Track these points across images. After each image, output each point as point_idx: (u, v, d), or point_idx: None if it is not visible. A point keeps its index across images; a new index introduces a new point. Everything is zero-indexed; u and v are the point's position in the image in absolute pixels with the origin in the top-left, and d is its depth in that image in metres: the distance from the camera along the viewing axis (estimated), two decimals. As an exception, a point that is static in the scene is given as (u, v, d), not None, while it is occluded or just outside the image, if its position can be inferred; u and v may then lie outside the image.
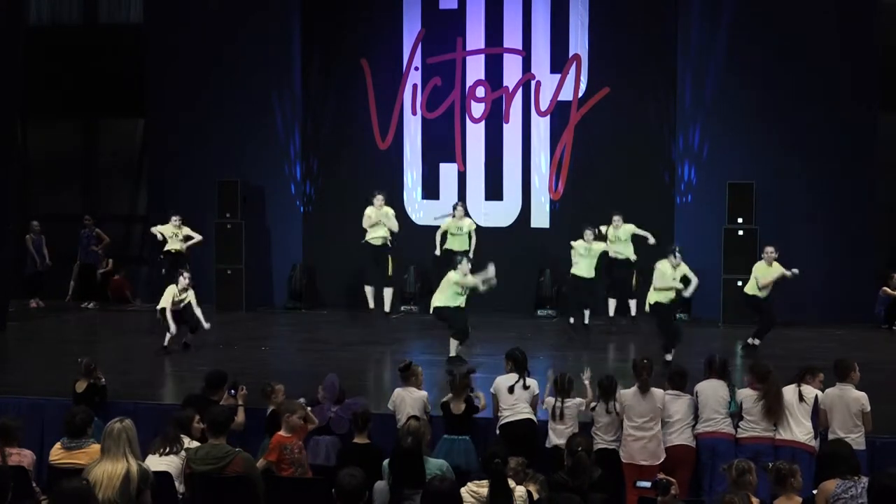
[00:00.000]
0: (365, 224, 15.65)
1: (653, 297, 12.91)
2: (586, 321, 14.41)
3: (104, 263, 18.98)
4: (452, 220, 15.88)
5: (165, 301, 13.58)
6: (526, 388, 9.53)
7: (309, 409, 9.28)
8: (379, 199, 15.79)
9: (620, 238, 15.56)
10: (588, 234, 14.90)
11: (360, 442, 8.65)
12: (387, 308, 14.97)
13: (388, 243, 15.71)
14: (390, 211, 15.82)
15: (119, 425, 6.64)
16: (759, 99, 16.66)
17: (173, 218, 16.23)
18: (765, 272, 13.80)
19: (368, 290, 15.66)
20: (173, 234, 16.07)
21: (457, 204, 16.12)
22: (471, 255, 14.78)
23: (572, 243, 15.00)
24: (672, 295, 12.87)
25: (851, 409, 8.99)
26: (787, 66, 16.51)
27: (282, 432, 8.51)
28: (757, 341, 13.72)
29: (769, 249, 13.90)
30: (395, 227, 15.74)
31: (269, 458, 8.35)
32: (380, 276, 15.71)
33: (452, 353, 12.93)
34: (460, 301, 13.03)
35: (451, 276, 13.03)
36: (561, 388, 9.34)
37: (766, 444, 9.00)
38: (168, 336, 13.63)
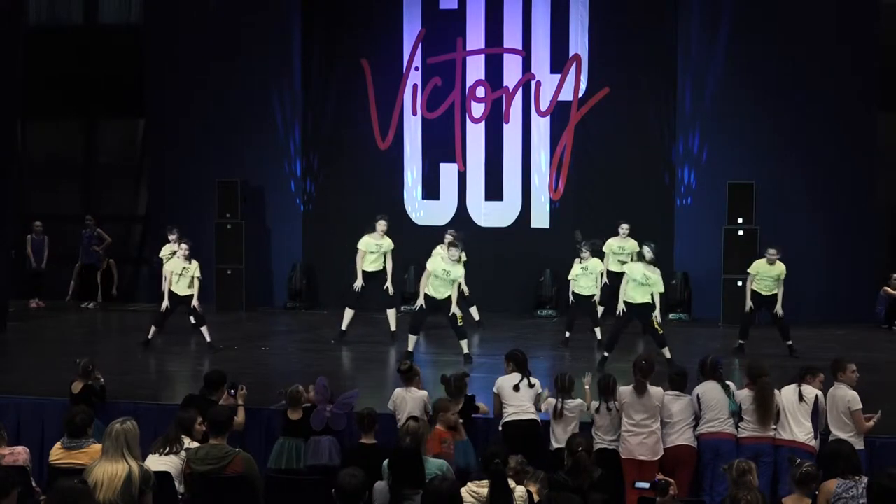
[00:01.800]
0: (360, 258, 14.39)
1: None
2: (599, 336, 14.28)
3: (104, 264, 18.97)
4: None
5: (168, 282, 13.75)
6: (531, 386, 9.53)
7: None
8: (382, 224, 14.48)
9: (625, 250, 15.08)
10: (584, 252, 14.17)
11: (367, 442, 8.69)
12: (393, 327, 14.67)
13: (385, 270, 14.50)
14: (390, 244, 14.53)
15: (119, 426, 6.63)
16: (759, 99, 16.66)
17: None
18: (767, 269, 13.75)
19: (348, 312, 14.54)
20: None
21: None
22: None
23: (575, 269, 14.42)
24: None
25: (839, 408, 8.98)
26: (786, 65, 16.51)
27: (439, 427, 8.78)
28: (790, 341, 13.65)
29: (772, 251, 13.82)
30: (389, 264, 14.49)
31: (436, 451, 8.52)
32: (377, 299, 14.66)
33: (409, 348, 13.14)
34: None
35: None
36: (562, 388, 9.33)
37: (766, 444, 9.00)
38: (153, 329, 13.79)
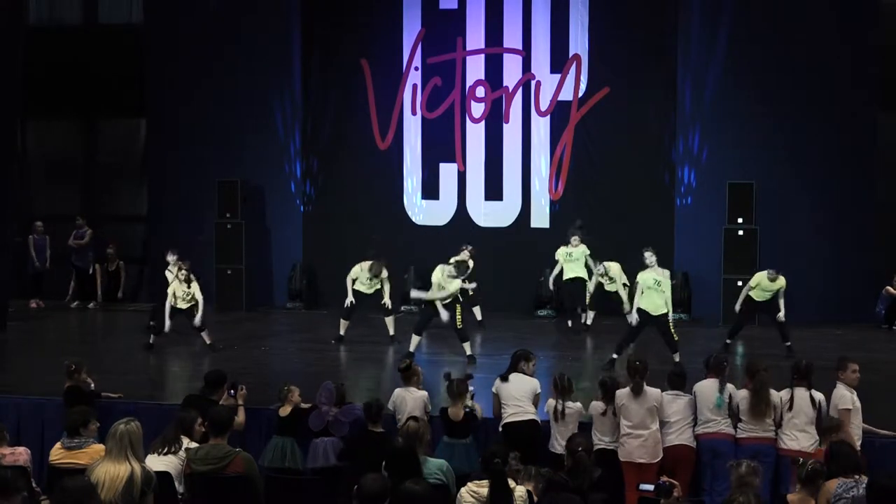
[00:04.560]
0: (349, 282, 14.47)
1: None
2: (588, 322, 14.37)
3: (113, 265, 18.91)
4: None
5: (170, 299, 13.81)
6: (505, 380, 9.51)
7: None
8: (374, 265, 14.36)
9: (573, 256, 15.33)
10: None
11: (375, 430, 8.80)
12: (391, 332, 14.71)
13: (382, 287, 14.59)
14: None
15: (123, 427, 6.62)
16: (760, 98, 16.65)
17: (174, 258, 14.23)
18: (767, 284, 13.75)
19: (344, 323, 14.57)
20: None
21: None
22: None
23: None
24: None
25: (834, 407, 8.98)
26: (786, 65, 16.51)
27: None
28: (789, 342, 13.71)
29: (772, 272, 13.72)
30: (387, 289, 14.47)
31: None
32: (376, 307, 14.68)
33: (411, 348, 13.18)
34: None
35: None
36: (562, 389, 9.31)
37: (767, 445, 8.98)
38: (152, 336, 13.80)
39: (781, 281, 13.74)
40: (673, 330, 12.66)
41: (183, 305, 13.82)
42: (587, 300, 14.55)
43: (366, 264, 14.40)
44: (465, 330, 13.25)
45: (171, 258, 14.37)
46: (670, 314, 12.67)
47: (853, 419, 8.91)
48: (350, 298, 14.45)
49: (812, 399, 9.02)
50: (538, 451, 9.02)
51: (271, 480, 8.50)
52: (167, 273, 14.37)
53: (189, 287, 13.84)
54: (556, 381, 9.38)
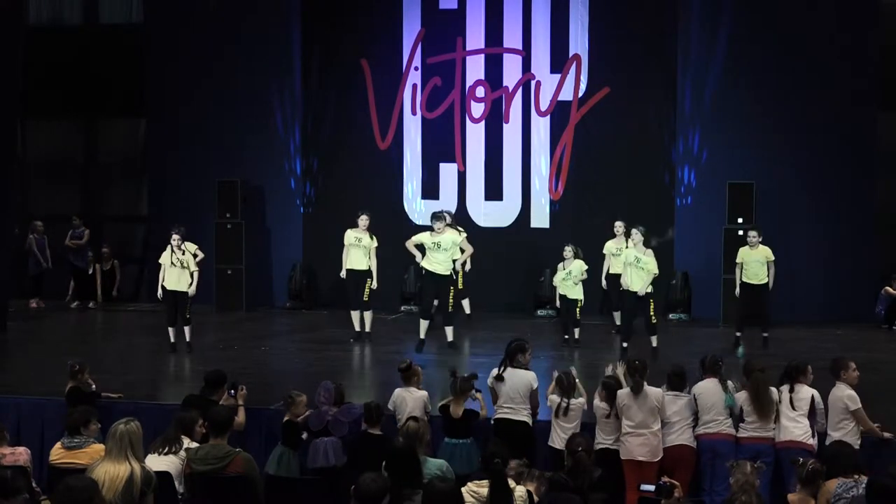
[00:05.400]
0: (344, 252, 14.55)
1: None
2: (576, 336, 14.35)
3: (108, 264, 18.91)
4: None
5: (163, 276, 13.63)
6: (500, 379, 9.48)
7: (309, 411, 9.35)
8: (363, 219, 14.47)
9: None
10: (567, 251, 14.31)
11: (374, 433, 8.82)
12: (367, 328, 14.61)
13: (370, 269, 14.50)
14: (369, 241, 14.47)
15: (123, 427, 6.62)
16: (760, 98, 16.65)
17: (174, 236, 13.62)
18: (749, 254, 13.87)
19: (355, 314, 14.60)
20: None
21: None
22: None
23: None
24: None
25: (837, 408, 8.98)
26: (786, 65, 16.52)
27: None
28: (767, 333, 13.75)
29: (752, 234, 13.94)
30: (374, 260, 14.44)
31: None
32: (359, 299, 14.55)
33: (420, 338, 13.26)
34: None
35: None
36: (566, 387, 9.31)
37: (767, 445, 8.99)
38: (171, 330, 13.72)
39: (763, 249, 13.79)
40: (652, 313, 12.81)
41: (173, 282, 13.53)
42: (578, 316, 14.49)
43: (361, 230, 14.42)
44: (453, 315, 13.22)
45: (174, 236, 14.00)
46: (650, 288, 12.86)
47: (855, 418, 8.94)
48: (343, 272, 14.46)
49: (791, 396, 9.04)
50: (529, 454, 8.95)
51: (271, 480, 8.51)
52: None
53: (183, 254, 13.57)
54: (560, 379, 9.38)
